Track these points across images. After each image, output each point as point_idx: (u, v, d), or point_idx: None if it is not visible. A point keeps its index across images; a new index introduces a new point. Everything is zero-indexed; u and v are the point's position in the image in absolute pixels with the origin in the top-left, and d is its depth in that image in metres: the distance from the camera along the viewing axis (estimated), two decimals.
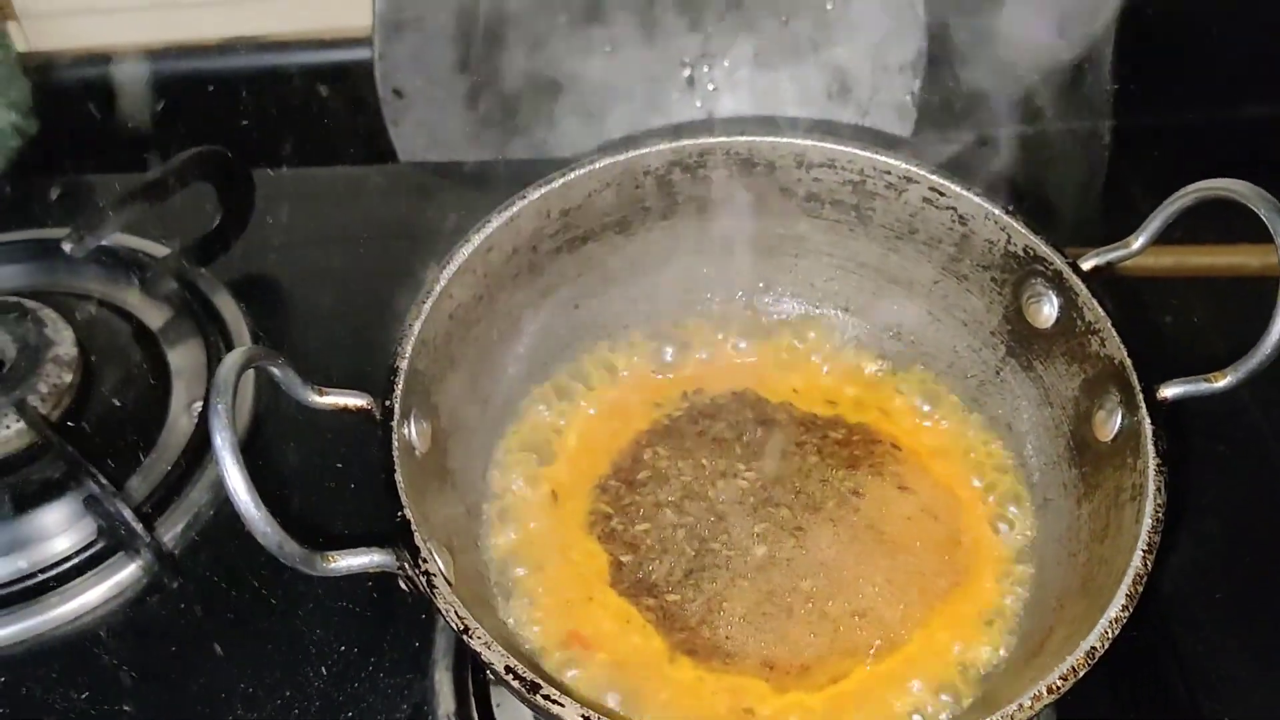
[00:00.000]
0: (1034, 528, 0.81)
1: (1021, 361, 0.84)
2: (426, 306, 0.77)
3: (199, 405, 0.96)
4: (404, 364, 0.74)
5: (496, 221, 0.82)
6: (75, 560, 0.87)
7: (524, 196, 0.83)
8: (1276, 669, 0.85)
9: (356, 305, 1.06)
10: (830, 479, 0.84)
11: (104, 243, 1.02)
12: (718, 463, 0.85)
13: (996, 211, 0.81)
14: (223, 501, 0.98)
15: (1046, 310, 0.80)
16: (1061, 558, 0.76)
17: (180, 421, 0.99)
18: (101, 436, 0.92)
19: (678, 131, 0.86)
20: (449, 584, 0.68)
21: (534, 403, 0.89)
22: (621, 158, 0.85)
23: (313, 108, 1.21)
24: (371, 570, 0.68)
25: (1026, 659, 0.71)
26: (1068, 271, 0.78)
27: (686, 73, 1.15)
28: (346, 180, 1.22)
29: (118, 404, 0.96)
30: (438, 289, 0.78)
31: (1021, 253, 0.81)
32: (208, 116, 1.23)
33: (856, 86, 1.13)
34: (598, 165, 0.85)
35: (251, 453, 0.89)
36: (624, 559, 0.82)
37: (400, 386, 0.73)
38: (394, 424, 0.70)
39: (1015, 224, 0.80)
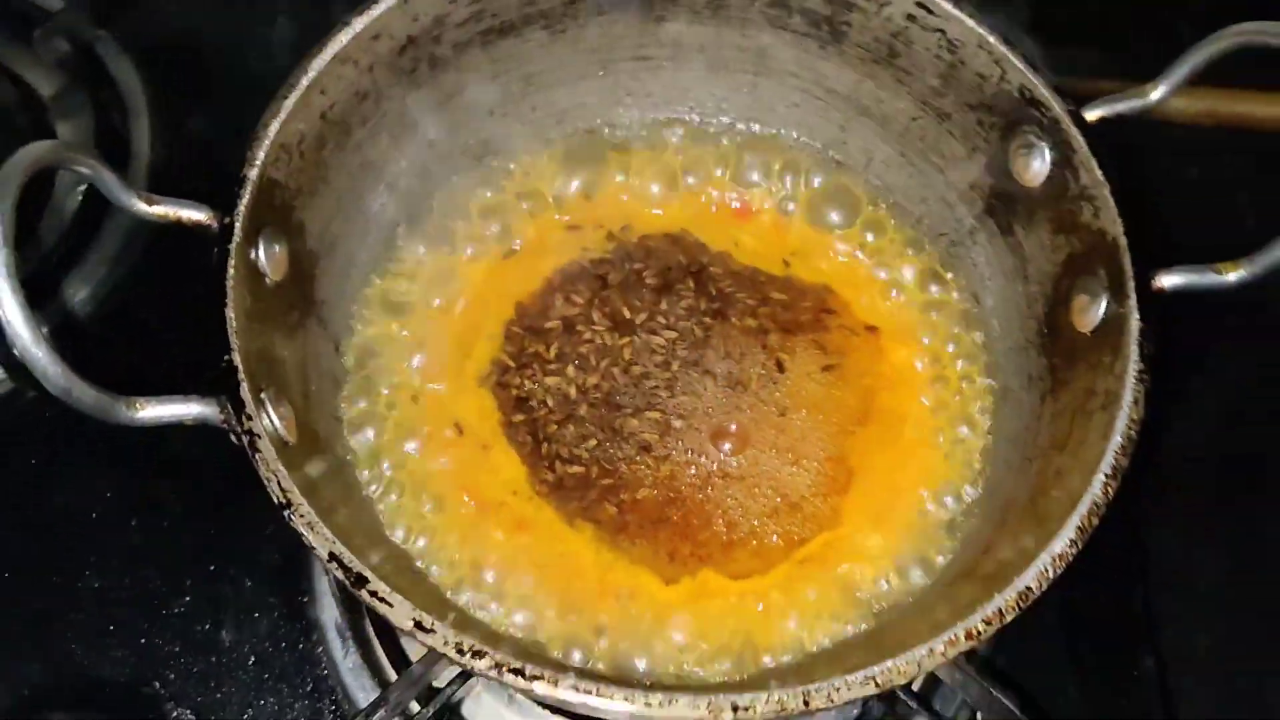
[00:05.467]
0: (990, 420, 0.74)
1: (1000, 223, 0.75)
2: (288, 103, 0.67)
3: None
4: (254, 173, 0.65)
5: (386, 2, 0.70)
6: None
7: None
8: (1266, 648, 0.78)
9: None
10: (764, 346, 0.76)
11: None
12: (638, 315, 0.76)
13: (992, 40, 0.70)
14: (103, 300, 0.91)
15: (1036, 165, 0.71)
16: (1014, 460, 0.70)
17: (63, 206, 0.92)
18: None
19: None
20: (285, 443, 0.61)
21: (432, 227, 0.80)
22: None
23: None
24: (189, 422, 0.60)
25: (955, 578, 0.66)
26: (1066, 121, 0.68)
27: None
28: None
29: None
30: (304, 83, 0.68)
31: (1016, 93, 0.70)
32: None
33: None
34: None
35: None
36: (515, 419, 0.74)
37: (247, 199, 0.64)
38: (233, 244, 0.62)
39: (1012, 57, 0.70)
